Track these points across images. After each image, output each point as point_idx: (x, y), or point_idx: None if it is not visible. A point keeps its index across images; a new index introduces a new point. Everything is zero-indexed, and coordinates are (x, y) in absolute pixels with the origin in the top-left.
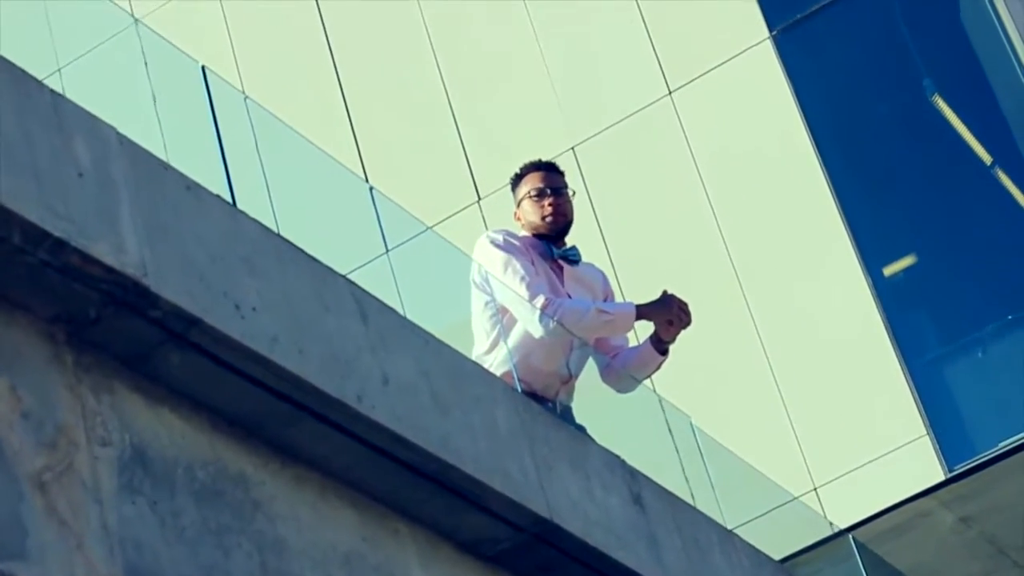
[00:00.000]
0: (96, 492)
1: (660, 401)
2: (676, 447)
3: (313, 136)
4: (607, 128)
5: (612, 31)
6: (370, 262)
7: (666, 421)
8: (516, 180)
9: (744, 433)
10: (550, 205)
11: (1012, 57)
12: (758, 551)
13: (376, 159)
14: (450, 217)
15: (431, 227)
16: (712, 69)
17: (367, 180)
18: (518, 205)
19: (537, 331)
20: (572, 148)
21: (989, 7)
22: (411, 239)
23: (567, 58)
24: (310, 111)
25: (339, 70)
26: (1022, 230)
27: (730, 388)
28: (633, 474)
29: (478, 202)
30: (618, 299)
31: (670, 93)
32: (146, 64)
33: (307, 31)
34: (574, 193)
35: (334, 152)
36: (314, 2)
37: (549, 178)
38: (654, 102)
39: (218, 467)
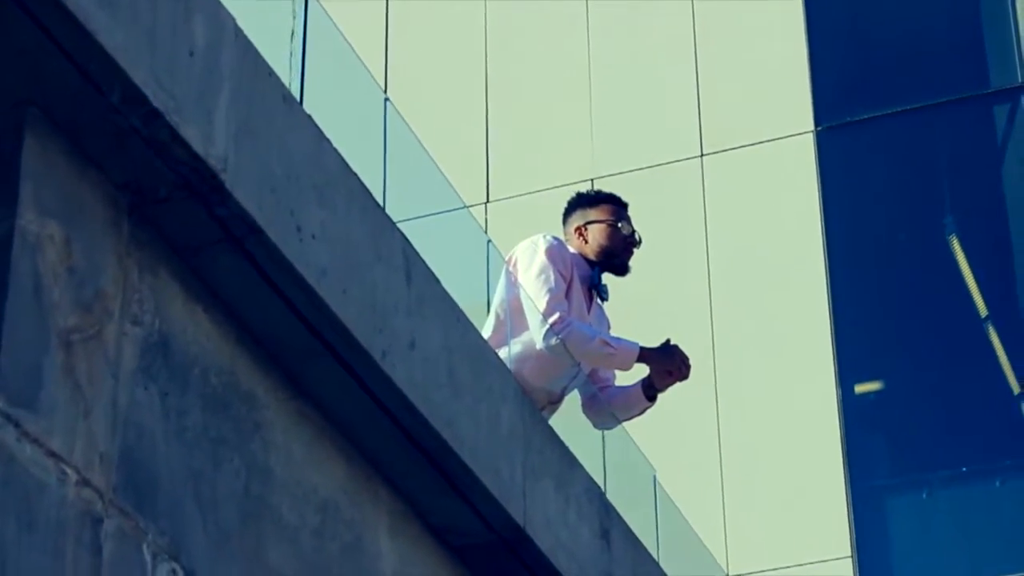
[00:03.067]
0: (115, 367)
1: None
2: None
3: None
4: (630, 171)
5: (663, 81)
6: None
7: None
8: (591, 201)
9: (674, 500)
10: (631, 237)
11: None
12: None
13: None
14: (455, 211)
15: (438, 212)
16: (749, 145)
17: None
18: (584, 224)
19: (539, 342)
20: (591, 179)
21: None
22: (434, 214)
23: (612, 94)
24: None
25: (389, 51)
26: (996, 387)
27: (674, 452)
28: (608, 509)
29: (486, 204)
30: None
31: (701, 156)
32: None
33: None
34: (639, 242)
35: None
36: None
37: (629, 218)
38: (683, 160)
39: (232, 379)
